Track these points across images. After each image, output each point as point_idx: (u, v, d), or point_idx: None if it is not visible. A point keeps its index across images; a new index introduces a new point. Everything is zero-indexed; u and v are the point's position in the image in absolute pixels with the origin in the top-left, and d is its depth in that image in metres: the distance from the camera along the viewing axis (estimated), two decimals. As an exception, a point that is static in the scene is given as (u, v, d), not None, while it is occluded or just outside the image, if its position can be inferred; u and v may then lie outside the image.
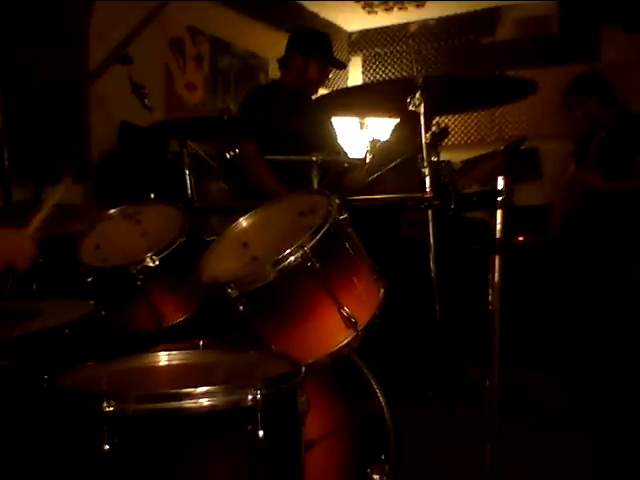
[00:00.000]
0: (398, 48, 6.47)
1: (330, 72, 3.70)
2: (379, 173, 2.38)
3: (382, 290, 1.68)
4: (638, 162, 3.97)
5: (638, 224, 4.00)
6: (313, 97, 3.65)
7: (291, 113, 3.30)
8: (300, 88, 3.56)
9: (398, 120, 3.20)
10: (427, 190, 1.78)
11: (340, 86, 6.13)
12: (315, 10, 5.94)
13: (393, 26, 6.43)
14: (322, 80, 3.61)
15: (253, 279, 1.53)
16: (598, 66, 4.99)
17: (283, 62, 3.64)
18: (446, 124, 5.46)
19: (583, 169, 4.20)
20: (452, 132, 6.16)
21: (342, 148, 3.73)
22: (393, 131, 3.35)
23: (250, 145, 3.19)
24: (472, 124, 6.08)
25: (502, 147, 3.06)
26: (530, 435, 2.75)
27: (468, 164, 2.96)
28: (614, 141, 4.08)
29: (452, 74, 4.01)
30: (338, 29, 6.45)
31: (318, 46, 3.57)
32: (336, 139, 3.73)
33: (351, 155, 3.48)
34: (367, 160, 2.65)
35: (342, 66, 4.05)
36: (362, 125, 5.91)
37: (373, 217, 3.37)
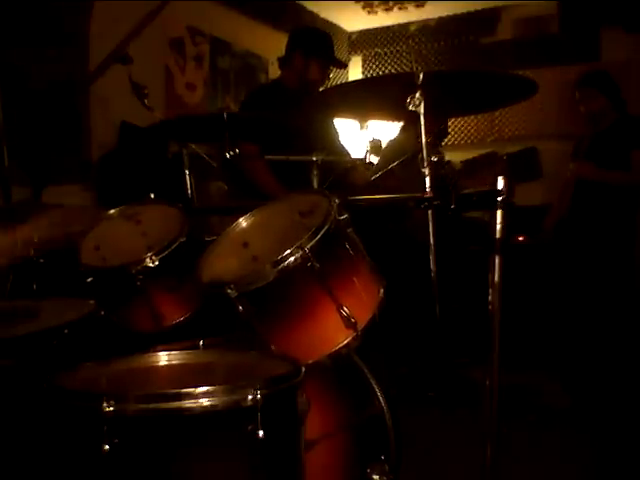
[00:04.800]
0: (398, 48, 6.48)
1: (331, 72, 3.70)
2: (384, 171, 2.37)
3: (382, 290, 1.67)
4: (633, 158, 3.95)
5: (631, 222, 4.01)
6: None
7: (291, 112, 3.30)
8: (300, 87, 3.56)
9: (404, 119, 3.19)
10: (427, 190, 1.78)
11: (340, 87, 6.13)
12: (315, 10, 5.95)
13: (393, 26, 6.43)
14: (323, 80, 3.61)
15: (253, 279, 1.53)
16: (599, 66, 4.99)
17: (283, 61, 3.62)
18: (445, 124, 5.46)
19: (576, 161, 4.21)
20: (452, 132, 6.16)
21: (343, 148, 3.72)
22: (402, 129, 3.34)
23: (251, 145, 3.19)
24: (472, 124, 6.08)
25: (505, 156, 3.04)
26: (530, 435, 2.75)
27: (468, 164, 2.96)
28: (609, 138, 4.07)
29: (453, 70, 4.00)
30: (338, 29, 6.45)
31: (320, 46, 3.55)
32: (337, 139, 3.72)
33: (353, 155, 3.48)
34: (368, 160, 2.64)
35: (343, 66, 4.05)
36: (362, 125, 5.91)
37: (373, 217, 3.37)
